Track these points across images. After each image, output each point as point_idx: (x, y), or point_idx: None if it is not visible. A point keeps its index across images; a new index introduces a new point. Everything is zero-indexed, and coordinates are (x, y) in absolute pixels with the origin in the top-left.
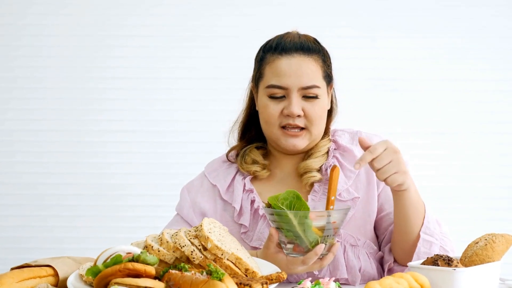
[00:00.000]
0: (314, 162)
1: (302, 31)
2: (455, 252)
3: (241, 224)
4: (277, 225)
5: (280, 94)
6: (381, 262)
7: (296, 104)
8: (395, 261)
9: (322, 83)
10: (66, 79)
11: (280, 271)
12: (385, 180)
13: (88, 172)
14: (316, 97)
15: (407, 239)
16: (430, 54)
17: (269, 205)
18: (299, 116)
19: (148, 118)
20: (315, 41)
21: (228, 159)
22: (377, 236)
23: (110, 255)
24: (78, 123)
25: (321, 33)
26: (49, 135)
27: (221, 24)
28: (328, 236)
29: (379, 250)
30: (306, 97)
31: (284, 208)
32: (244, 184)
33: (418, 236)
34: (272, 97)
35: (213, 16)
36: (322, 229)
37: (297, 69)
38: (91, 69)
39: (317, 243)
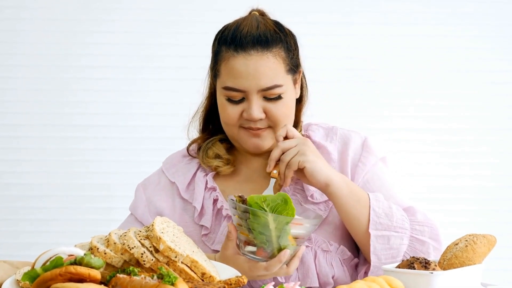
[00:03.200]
0: None
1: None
2: (441, 242)
3: (202, 226)
4: (248, 225)
5: (239, 97)
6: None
7: (256, 108)
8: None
9: (285, 78)
10: (41, 68)
11: (240, 275)
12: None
13: (64, 171)
14: (278, 97)
15: (360, 239)
16: (410, 42)
17: (242, 201)
18: (260, 119)
19: (129, 111)
20: (276, 28)
21: (188, 153)
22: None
23: (50, 258)
24: (54, 116)
25: (289, 18)
26: (21, 129)
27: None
28: (298, 244)
29: (355, 256)
30: (268, 98)
31: (266, 209)
32: (206, 181)
33: (369, 235)
34: (230, 100)
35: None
36: (297, 237)
37: (255, 70)
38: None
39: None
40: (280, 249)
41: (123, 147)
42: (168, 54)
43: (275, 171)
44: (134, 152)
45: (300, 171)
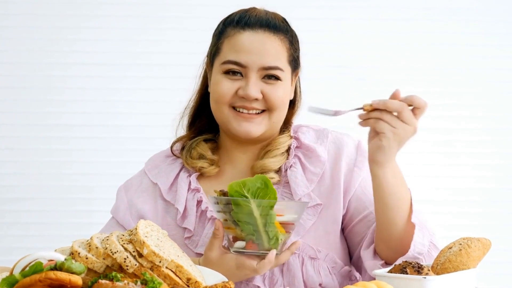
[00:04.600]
0: (273, 162)
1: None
2: None
3: (185, 228)
4: (233, 217)
5: (237, 71)
6: (350, 276)
7: (254, 86)
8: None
9: (286, 67)
10: (25, 65)
11: (226, 280)
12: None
13: (46, 173)
14: (278, 78)
15: (392, 232)
16: (406, 39)
17: (223, 194)
18: (256, 99)
19: (114, 110)
20: (284, 20)
21: (172, 153)
22: (349, 247)
23: (29, 263)
24: (36, 116)
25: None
26: (2, 129)
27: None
28: (290, 233)
29: (345, 264)
30: (267, 78)
31: (247, 195)
32: (190, 182)
33: (411, 225)
34: (227, 72)
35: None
36: (284, 223)
37: (260, 46)
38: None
39: (276, 240)
40: (269, 239)
41: (109, 148)
42: (156, 51)
43: (370, 105)
44: (119, 153)
45: (377, 133)
